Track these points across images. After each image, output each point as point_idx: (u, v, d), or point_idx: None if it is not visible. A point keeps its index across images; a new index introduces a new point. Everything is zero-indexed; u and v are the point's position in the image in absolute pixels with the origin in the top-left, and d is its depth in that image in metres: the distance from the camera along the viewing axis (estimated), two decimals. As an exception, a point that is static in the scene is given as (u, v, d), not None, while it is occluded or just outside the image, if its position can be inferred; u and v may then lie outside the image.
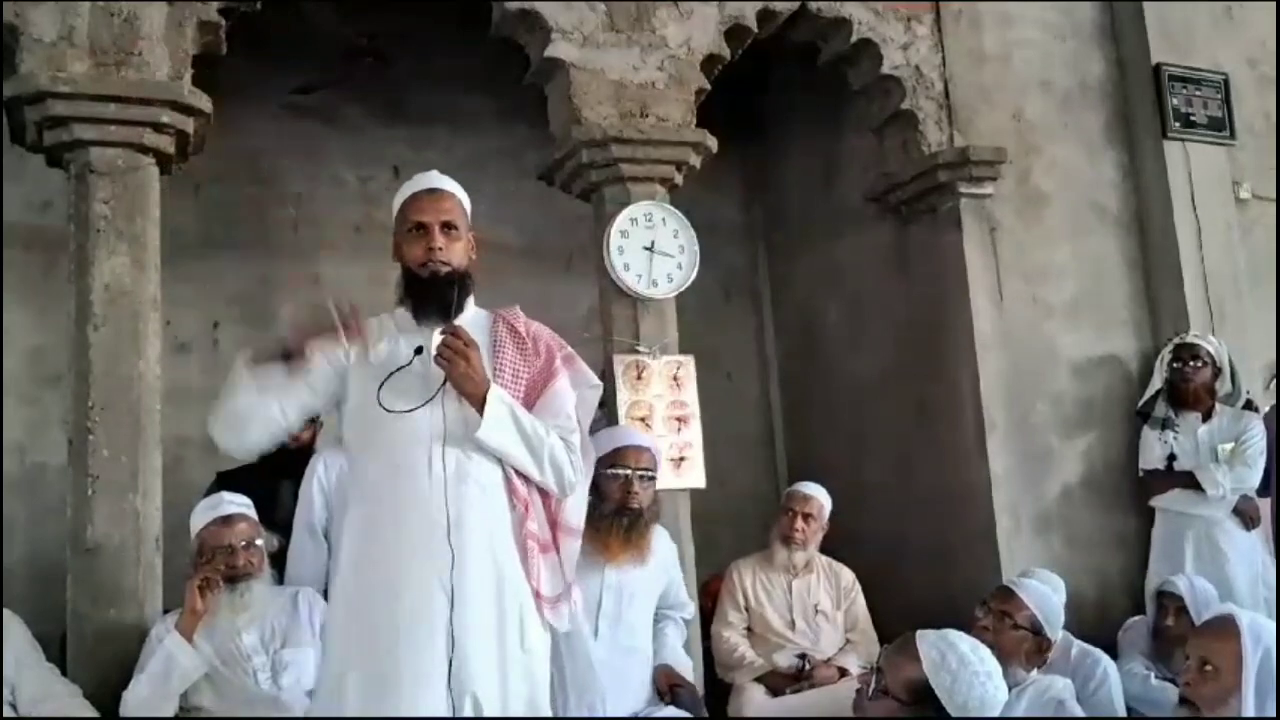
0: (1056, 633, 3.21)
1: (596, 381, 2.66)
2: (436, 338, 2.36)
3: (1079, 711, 2.98)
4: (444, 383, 2.35)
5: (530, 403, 2.47)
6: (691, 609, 3.72)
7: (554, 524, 2.51)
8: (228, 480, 3.62)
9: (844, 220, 5.39)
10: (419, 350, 2.36)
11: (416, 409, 2.34)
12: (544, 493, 2.48)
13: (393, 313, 2.53)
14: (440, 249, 2.42)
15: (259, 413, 2.34)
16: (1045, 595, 3.24)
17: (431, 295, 2.42)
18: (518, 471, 2.42)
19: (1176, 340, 4.65)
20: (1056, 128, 4.98)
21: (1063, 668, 3.30)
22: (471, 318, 2.50)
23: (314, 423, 3.74)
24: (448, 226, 2.45)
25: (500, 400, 2.37)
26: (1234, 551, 4.39)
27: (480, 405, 2.34)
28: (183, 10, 3.55)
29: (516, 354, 2.49)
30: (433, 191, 2.50)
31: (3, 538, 4.12)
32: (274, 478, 3.66)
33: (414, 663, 2.25)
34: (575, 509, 2.55)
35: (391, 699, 2.23)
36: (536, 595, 2.41)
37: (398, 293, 2.51)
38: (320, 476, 3.47)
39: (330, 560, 3.35)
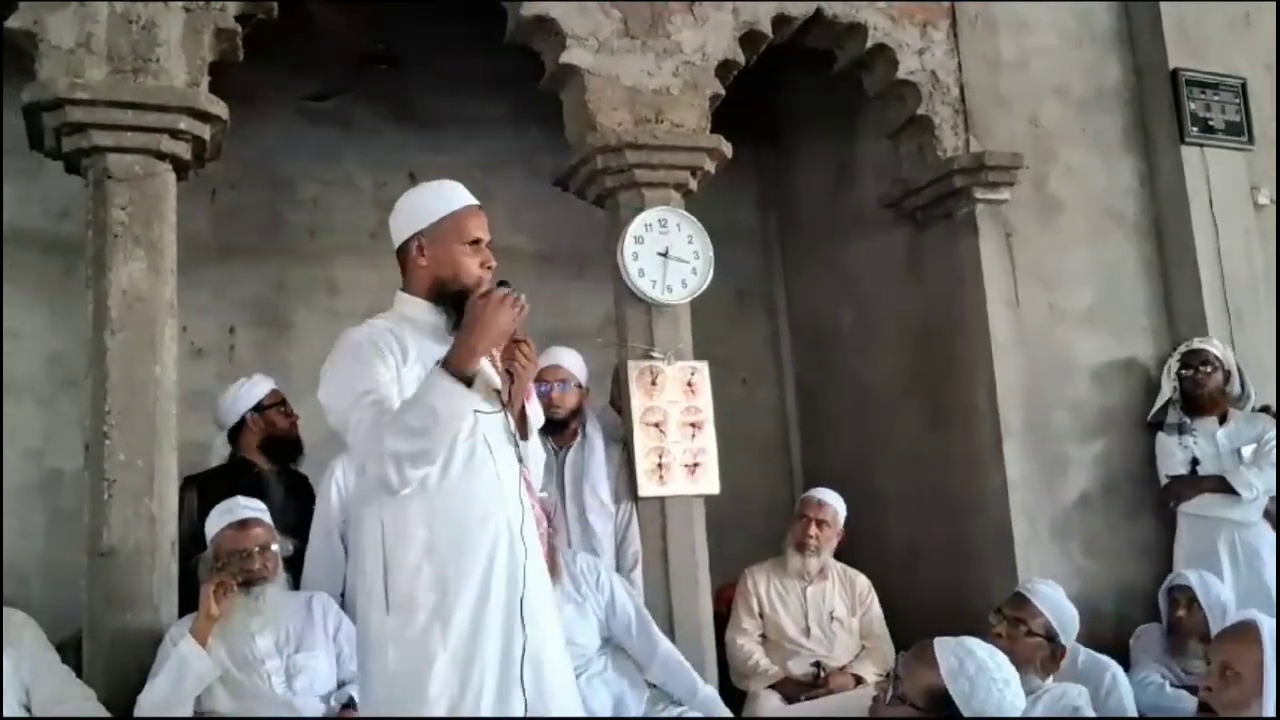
0: (1070, 639, 3.20)
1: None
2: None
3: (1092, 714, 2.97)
4: (511, 387, 2.44)
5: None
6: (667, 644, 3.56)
7: None
8: (198, 485, 3.60)
9: (859, 225, 5.37)
10: None
11: (497, 412, 2.40)
12: None
13: (402, 316, 2.52)
14: (493, 265, 2.50)
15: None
16: (1059, 602, 3.23)
17: None
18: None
19: (1184, 348, 4.62)
20: (1073, 133, 4.95)
21: (1070, 677, 3.28)
22: None
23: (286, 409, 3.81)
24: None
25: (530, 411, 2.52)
26: (1269, 555, 4.33)
27: (520, 414, 2.46)
28: (200, 17, 3.57)
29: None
30: (479, 207, 2.54)
31: (3, 539, 4.16)
32: (252, 473, 3.67)
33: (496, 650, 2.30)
34: None
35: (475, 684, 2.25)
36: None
37: (440, 302, 2.48)
38: (338, 480, 3.46)
39: (349, 562, 3.34)
